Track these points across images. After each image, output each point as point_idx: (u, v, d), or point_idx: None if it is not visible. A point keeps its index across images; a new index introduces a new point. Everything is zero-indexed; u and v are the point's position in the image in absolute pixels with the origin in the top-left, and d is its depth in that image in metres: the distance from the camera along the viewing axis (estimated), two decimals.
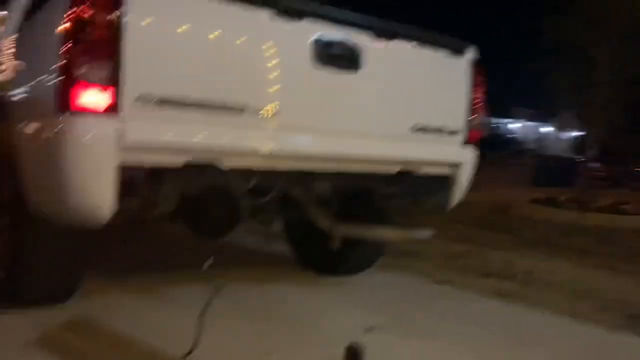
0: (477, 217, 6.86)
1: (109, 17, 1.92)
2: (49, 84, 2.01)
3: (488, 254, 4.83)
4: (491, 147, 27.42)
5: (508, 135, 35.29)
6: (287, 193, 2.77)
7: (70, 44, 1.92)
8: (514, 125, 38.86)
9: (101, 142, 1.95)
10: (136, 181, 2.13)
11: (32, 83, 2.26)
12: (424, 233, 3.27)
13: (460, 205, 3.26)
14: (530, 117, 37.19)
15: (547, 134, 33.12)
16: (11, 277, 2.61)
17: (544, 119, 35.49)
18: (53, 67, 1.99)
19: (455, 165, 3.03)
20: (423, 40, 2.77)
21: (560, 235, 6.24)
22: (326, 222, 3.24)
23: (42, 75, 2.11)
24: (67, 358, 2.04)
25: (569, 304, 3.40)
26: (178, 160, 2.15)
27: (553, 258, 4.89)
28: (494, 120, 36.39)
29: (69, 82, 1.91)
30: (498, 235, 6.02)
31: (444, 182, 3.08)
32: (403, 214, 3.33)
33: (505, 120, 38.27)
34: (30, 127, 2.22)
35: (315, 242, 3.69)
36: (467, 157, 3.06)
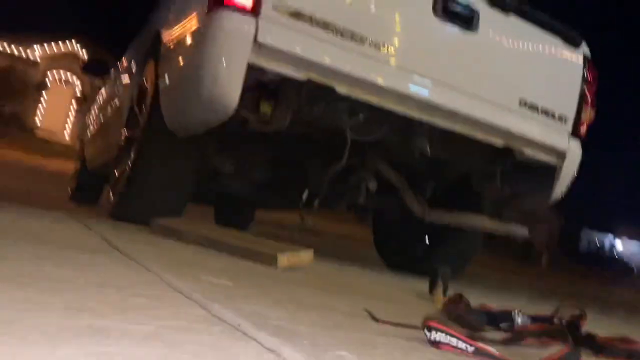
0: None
1: None
2: None
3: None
4: (596, 263, 25.86)
5: (615, 253, 32.99)
6: (387, 145, 2.86)
7: None
8: (622, 244, 36.32)
9: (241, 34, 2.22)
10: (259, 83, 2.35)
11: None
12: (521, 230, 3.21)
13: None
14: (638, 236, 34.72)
15: None
16: (123, 199, 2.88)
17: None
18: None
19: (561, 154, 3.00)
20: (538, 22, 2.87)
21: None
22: (418, 205, 3.27)
23: None
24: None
25: None
26: (300, 74, 2.36)
27: None
28: (600, 235, 34.38)
29: None
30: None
31: (546, 173, 3.04)
32: (500, 205, 3.29)
33: (612, 237, 35.95)
34: (179, 29, 2.56)
35: (402, 235, 3.71)
36: (573, 149, 3.02)
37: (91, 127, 6.05)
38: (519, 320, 1.34)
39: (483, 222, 3.20)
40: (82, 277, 0.92)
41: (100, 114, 5.36)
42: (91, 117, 6.43)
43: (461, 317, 1.23)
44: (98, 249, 1.40)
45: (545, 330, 1.17)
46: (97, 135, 5.31)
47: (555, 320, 1.37)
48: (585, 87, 3.03)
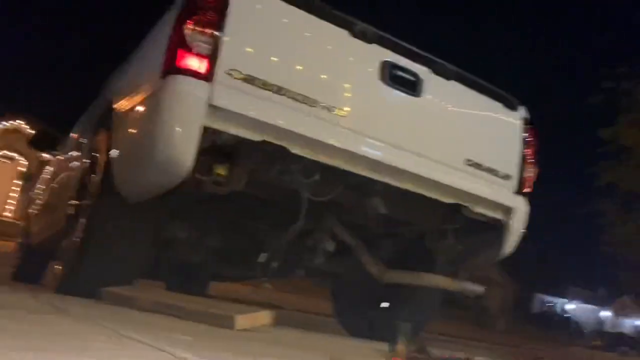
0: None
1: (216, 5, 2.36)
2: (158, 58, 2.40)
3: None
4: (546, 325, 26.23)
5: (565, 315, 33.53)
6: (343, 205, 2.89)
7: (185, 21, 2.33)
8: (571, 306, 37.01)
9: (195, 98, 2.26)
10: (214, 146, 2.37)
11: (144, 65, 2.69)
12: (476, 287, 3.26)
13: None
14: (588, 299, 35.58)
15: (606, 318, 31.51)
16: (72, 271, 2.79)
17: (602, 303, 33.94)
18: (164, 44, 2.39)
19: (508, 210, 3.10)
20: (477, 87, 3.05)
21: None
22: (375, 266, 3.28)
23: (152, 57, 2.52)
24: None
25: None
26: (254, 136, 2.39)
27: None
28: (550, 298, 35.01)
29: (178, 48, 2.29)
30: None
31: (496, 229, 3.12)
32: (453, 262, 3.34)
33: (562, 300, 36.62)
34: (132, 96, 2.58)
35: (361, 298, 3.69)
36: (519, 205, 3.13)
37: (37, 202, 5.87)
38: None
39: (439, 281, 3.23)
40: (31, 330, 0.87)
41: (48, 188, 5.23)
42: (37, 191, 6.25)
43: None
44: (48, 312, 1.33)
45: None
46: (44, 209, 5.14)
47: None
48: (525, 146, 3.20)
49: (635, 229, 8.68)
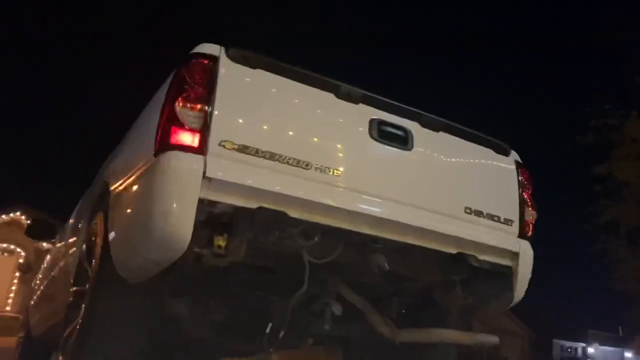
0: None
1: (204, 81, 2.42)
2: (151, 136, 2.43)
3: None
4: None
5: None
6: (346, 266, 2.85)
7: (175, 98, 2.38)
8: (592, 350, 35.93)
9: (190, 172, 2.27)
10: (212, 217, 2.36)
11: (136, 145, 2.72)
12: (491, 339, 3.17)
13: None
14: (609, 341, 34.62)
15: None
16: (74, 358, 2.72)
17: (624, 344, 33.01)
18: (155, 122, 2.42)
19: (514, 255, 3.06)
20: (467, 136, 3.08)
21: None
22: (386, 326, 3.20)
23: (145, 135, 2.56)
24: None
25: None
26: (251, 204, 2.39)
27: None
28: (569, 343, 34.06)
29: (170, 125, 2.33)
30: None
31: (503, 275, 3.07)
32: (465, 314, 3.26)
33: (582, 344, 35.59)
34: (127, 176, 2.59)
35: None
36: (524, 249, 3.09)
37: (37, 293, 5.79)
38: None
39: (452, 335, 3.15)
40: None
41: (47, 277, 5.17)
42: (37, 282, 6.18)
43: None
44: None
45: None
46: (44, 299, 5.07)
47: None
48: (522, 190, 3.20)
49: None
